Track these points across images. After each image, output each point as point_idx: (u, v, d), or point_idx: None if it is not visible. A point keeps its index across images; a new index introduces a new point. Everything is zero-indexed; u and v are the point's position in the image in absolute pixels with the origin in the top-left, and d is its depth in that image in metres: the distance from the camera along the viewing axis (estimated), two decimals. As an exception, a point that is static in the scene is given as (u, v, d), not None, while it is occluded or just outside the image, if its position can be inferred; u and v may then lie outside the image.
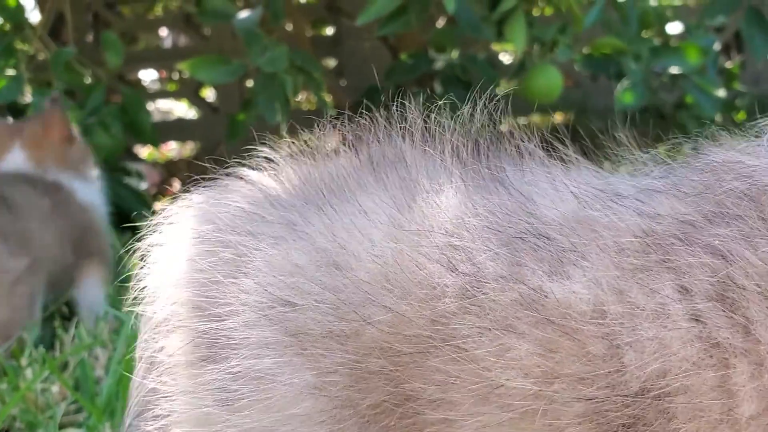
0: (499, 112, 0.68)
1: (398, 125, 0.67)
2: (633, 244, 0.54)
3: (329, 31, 3.12)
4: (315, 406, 0.58)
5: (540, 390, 0.53)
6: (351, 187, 0.64)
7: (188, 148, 3.34)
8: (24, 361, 1.31)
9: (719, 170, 0.57)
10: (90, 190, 1.71)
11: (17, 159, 1.66)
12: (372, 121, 0.68)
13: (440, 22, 2.30)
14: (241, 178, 0.71)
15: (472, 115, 0.66)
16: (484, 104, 0.66)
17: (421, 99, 2.16)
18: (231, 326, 0.61)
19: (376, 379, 0.57)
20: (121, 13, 2.92)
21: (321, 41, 2.94)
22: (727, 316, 0.51)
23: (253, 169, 0.71)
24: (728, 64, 2.74)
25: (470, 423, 0.54)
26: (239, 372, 0.60)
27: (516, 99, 2.82)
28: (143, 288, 0.70)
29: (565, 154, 0.64)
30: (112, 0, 2.75)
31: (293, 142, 0.72)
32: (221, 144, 2.93)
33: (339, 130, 0.71)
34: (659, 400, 0.51)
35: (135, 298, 0.71)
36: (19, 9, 1.85)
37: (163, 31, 3.25)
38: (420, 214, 0.59)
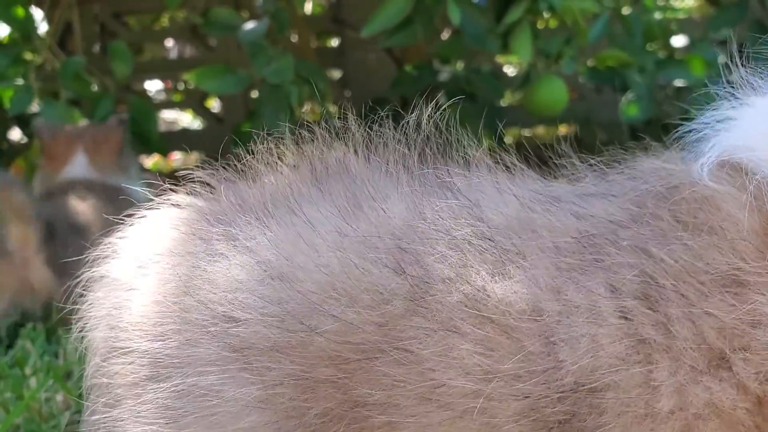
0: (444, 122, 0.70)
1: (341, 137, 0.69)
2: (569, 245, 0.57)
3: (334, 42, 3.14)
4: (260, 419, 0.58)
5: (479, 388, 0.54)
6: (293, 200, 0.64)
7: (193, 158, 3.35)
8: (28, 370, 1.31)
9: (644, 175, 0.60)
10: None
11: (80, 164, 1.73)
12: (313, 135, 0.69)
13: (445, 34, 2.31)
14: (177, 204, 0.72)
15: (418, 125, 0.68)
16: (430, 114, 0.68)
17: (427, 111, 2.15)
18: (173, 345, 0.62)
19: (323, 387, 0.57)
20: (127, 23, 2.94)
21: (326, 52, 2.95)
22: (650, 313, 0.53)
23: (188, 194, 0.72)
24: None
25: (412, 423, 0.55)
26: (183, 390, 0.61)
27: (521, 111, 2.83)
28: (88, 314, 0.71)
29: (511, 163, 0.66)
30: (119, 10, 2.76)
31: (229, 165, 0.73)
32: (224, 154, 2.94)
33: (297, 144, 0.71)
34: (591, 395, 0.52)
35: (81, 324, 0.72)
36: (29, 19, 1.86)
37: (169, 42, 3.26)
38: (366, 221, 0.61)
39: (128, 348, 0.65)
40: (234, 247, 0.63)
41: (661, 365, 0.52)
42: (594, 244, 0.57)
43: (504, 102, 2.64)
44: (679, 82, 2.13)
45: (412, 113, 0.69)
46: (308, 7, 2.60)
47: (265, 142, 0.72)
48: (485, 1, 1.76)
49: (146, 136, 2.00)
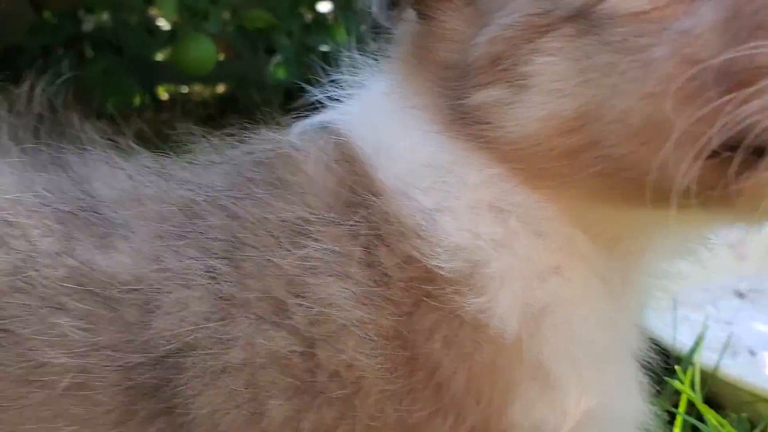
0: (61, 99, 0.69)
1: None
2: (173, 213, 0.57)
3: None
4: None
5: (79, 362, 0.54)
6: None
7: None
8: None
9: (252, 144, 0.63)
10: None
11: None
12: None
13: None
14: None
15: (30, 99, 0.66)
16: (43, 90, 0.67)
17: (68, 63, 2.00)
18: None
19: None
20: None
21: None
22: (231, 271, 0.55)
23: None
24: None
25: (11, 407, 0.54)
26: None
27: (172, 68, 2.76)
28: None
29: (126, 144, 0.66)
30: None
31: None
32: None
33: None
34: (178, 357, 0.54)
35: None
36: None
37: None
38: None
39: None
40: None
41: (237, 320, 0.54)
42: (193, 211, 0.58)
43: (159, 57, 2.56)
44: (324, 48, 2.22)
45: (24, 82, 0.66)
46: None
47: None
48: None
49: None
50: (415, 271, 0.54)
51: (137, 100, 2.55)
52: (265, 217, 0.56)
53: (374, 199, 0.56)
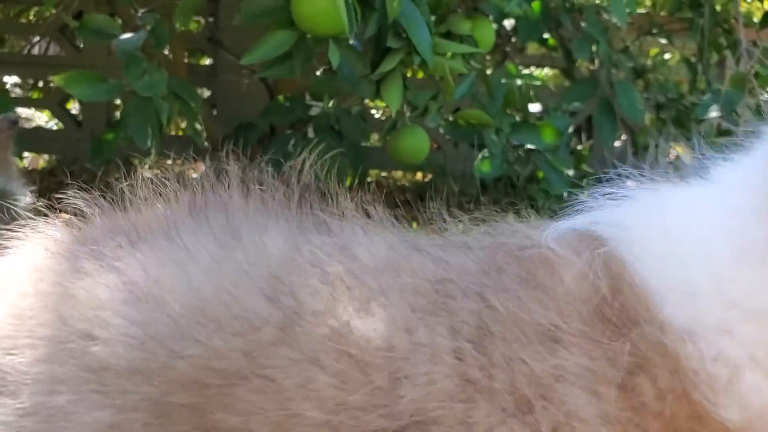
0: (323, 171, 0.72)
1: (222, 175, 0.70)
2: (425, 288, 0.61)
3: (206, 61, 3.13)
4: None
5: (329, 419, 0.57)
6: (168, 226, 0.65)
7: (43, 160, 3.23)
8: None
9: (503, 234, 0.65)
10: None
11: None
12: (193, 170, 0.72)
13: (319, 71, 2.37)
14: (45, 226, 0.70)
15: (300, 171, 0.71)
16: (312, 164, 0.71)
17: (293, 142, 2.18)
18: (23, 360, 0.60)
19: (180, 412, 0.57)
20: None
21: (197, 70, 2.94)
22: (478, 356, 0.58)
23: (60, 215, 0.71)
24: (579, 147, 2.95)
25: None
26: (30, 408, 0.58)
27: (380, 154, 2.92)
28: None
29: (380, 214, 0.70)
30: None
31: (104, 192, 0.72)
32: (80, 159, 2.86)
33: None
34: (420, 428, 0.56)
35: None
36: None
37: (35, 38, 3.15)
38: (243, 251, 0.62)
39: None
40: (100, 267, 0.62)
41: (480, 405, 0.56)
42: (445, 289, 0.61)
43: (367, 143, 2.73)
44: (530, 145, 2.28)
45: (296, 157, 0.71)
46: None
47: (143, 168, 0.73)
48: (359, 44, 1.83)
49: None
50: (681, 407, 0.54)
51: (348, 181, 2.71)
52: (519, 315, 0.58)
53: (648, 329, 0.56)
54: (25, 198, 1.62)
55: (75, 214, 0.70)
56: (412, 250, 0.64)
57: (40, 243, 0.68)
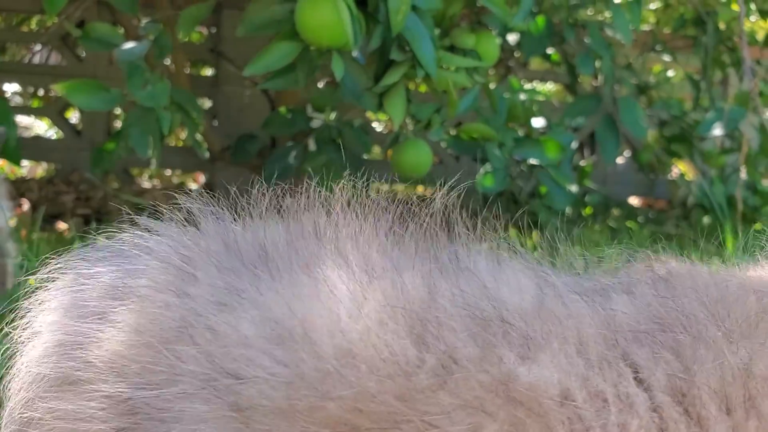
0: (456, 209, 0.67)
1: (327, 199, 0.66)
2: (595, 336, 0.57)
3: (208, 72, 3.12)
4: None
5: None
6: (302, 257, 0.61)
7: (42, 169, 3.22)
8: None
9: (677, 277, 0.61)
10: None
11: None
12: (299, 189, 0.66)
13: (321, 83, 2.36)
14: (161, 232, 0.66)
15: (430, 204, 0.67)
16: (443, 196, 0.67)
17: (294, 154, 2.17)
18: (163, 396, 0.56)
19: None
20: (-8, 20, 2.82)
21: (198, 81, 2.93)
22: (682, 411, 0.55)
23: (171, 222, 0.67)
24: (582, 163, 2.94)
25: None
26: None
27: (382, 167, 2.91)
28: (26, 332, 0.65)
29: (512, 246, 0.65)
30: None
31: (214, 197, 0.68)
32: (78, 169, 2.85)
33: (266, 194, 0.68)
34: None
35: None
36: None
37: (36, 46, 3.15)
38: (384, 290, 0.58)
39: (96, 389, 0.59)
40: (243, 299, 0.59)
41: None
42: (621, 339, 0.57)
43: (368, 156, 2.72)
44: (533, 161, 2.27)
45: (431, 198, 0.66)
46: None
47: (259, 185, 0.67)
48: (362, 57, 1.83)
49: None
50: None
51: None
52: (741, 370, 0.55)
53: None
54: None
55: (189, 223, 0.66)
56: (565, 292, 0.60)
57: (159, 255, 0.64)
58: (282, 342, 0.56)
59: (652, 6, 2.92)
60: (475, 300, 0.58)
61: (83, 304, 0.63)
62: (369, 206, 0.65)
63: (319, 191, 0.66)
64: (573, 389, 0.55)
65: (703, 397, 0.55)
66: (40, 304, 0.66)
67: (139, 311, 0.60)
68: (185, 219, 0.67)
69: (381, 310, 0.57)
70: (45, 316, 0.65)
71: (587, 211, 2.68)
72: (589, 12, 2.52)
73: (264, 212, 0.67)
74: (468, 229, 0.66)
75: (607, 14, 2.45)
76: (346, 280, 0.59)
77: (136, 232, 0.67)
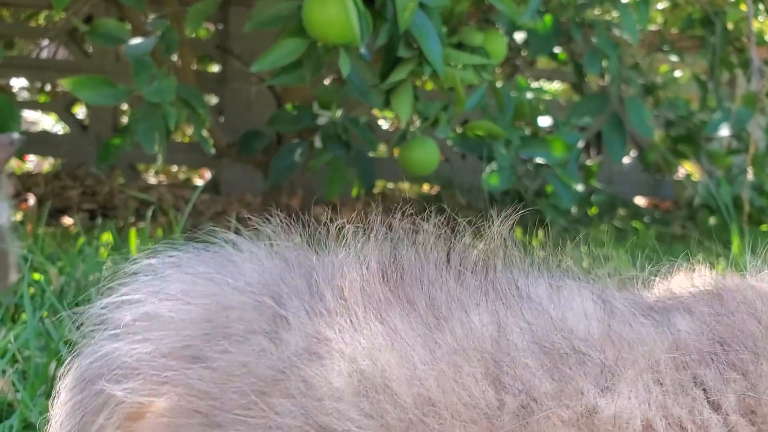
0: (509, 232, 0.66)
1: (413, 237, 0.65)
2: (665, 361, 0.56)
3: (214, 68, 3.12)
4: None
5: None
6: (377, 304, 0.61)
7: (48, 163, 3.22)
8: None
9: (727, 292, 0.61)
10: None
11: None
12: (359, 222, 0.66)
13: (328, 79, 2.36)
14: (245, 253, 0.66)
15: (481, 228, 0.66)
16: (500, 225, 0.66)
17: (300, 151, 2.16)
18: None
19: None
20: (0, 15, 2.82)
21: (205, 77, 2.93)
22: (755, 430, 0.55)
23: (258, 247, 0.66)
24: (588, 162, 2.93)
25: None
26: None
27: (388, 165, 2.90)
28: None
29: (567, 267, 0.65)
30: (-7, 0, 2.66)
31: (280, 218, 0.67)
32: (84, 164, 2.85)
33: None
34: None
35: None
36: None
37: (44, 41, 3.16)
38: (453, 333, 0.58)
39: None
40: (328, 348, 0.59)
41: None
42: (689, 360, 0.57)
43: (374, 154, 2.71)
44: (539, 160, 2.27)
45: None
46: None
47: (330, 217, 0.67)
48: (368, 54, 1.82)
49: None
50: None
51: (354, 192, 2.70)
52: None
53: None
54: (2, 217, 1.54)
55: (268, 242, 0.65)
56: (629, 315, 0.60)
57: (251, 290, 0.63)
58: (367, 394, 0.57)
59: (660, 6, 2.91)
60: (544, 332, 0.57)
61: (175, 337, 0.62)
62: (426, 238, 0.65)
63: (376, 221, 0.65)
64: (653, 418, 0.54)
65: None
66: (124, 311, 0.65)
67: (235, 352, 0.60)
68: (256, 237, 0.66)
69: (452, 353, 0.57)
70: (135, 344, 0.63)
71: (593, 210, 2.67)
72: (597, 11, 2.52)
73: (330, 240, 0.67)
74: (521, 251, 0.65)
75: (615, 14, 2.45)
76: (414, 325, 0.58)
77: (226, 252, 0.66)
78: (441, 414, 0.55)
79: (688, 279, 0.67)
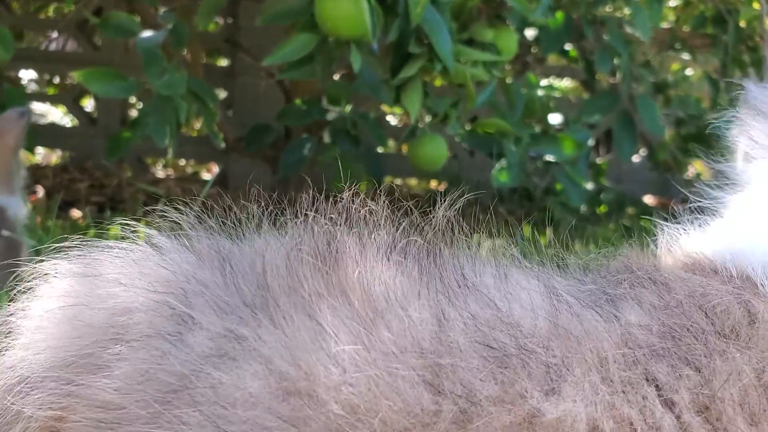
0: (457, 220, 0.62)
1: (327, 214, 0.59)
2: (614, 356, 0.54)
3: (223, 62, 3.12)
4: None
5: None
6: (304, 296, 0.55)
7: (56, 156, 3.23)
8: None
9: (674, 281, 0.59)
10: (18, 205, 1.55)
11: None
12: (295, 202, 0.60)
13: (337, 75, 2.35)
14: (152, 250, 0.60)
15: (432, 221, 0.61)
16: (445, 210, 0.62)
17: (309, 146, 2.16)
18: None
19: None
20: (10, 7, 2.82)
21: (214, 71, 2.93)
22: (709, 427, 0.53)
23: (159, 236, 0.61)
24: (598, 160, 2.92)
25: None
26: None
27: (396, 161, 2.89)
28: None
29: (514, 256, 0.61)
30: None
31: (205, 208, 0.61)
32: (93, 156, 2.85)
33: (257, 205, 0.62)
34: None
35: None
36: None
37: (53, 33, 3.16)
38: (389, 330, 0.53)
39: None
40: (243, 348, 0.53)
41: None
42: (640, 356, 0.55)
43: (382, 150, 2.71)
44: (549, 157, 2.26)
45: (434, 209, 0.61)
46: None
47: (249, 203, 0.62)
48: (377, 49, 1.82)
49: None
50: None
51: (363, 187, 2.70)
52: (739, 376, 0.54)
53: None
54: (20, 211, 1.51)
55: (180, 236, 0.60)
56: (576, 306, 0.56)
57: (156, 288, 0.57)
58: (289, 399, 0.52)
59: (672, 3, 2.90)
60: (488, 329, 0.53)
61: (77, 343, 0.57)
62: (370, 220, 0.59)
63: (320, 201, 0.60)
64: (600, 420, 0.52)
65: (727, 411, 0.53)
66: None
67: (134, 358, 0.55)
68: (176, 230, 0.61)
69: (387, 353, 0.52)
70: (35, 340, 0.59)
71: (602, 209, 2.67)
72: (608, 8, 2.51)
73: (263, 224, 0.61)
74: (469, 237, 0.61)
75: (627, 11, 2.44)
76: (346, 321, 0.53)
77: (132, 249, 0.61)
78: (370, 423, 0.51)
79: (632, 259, 0.63)
